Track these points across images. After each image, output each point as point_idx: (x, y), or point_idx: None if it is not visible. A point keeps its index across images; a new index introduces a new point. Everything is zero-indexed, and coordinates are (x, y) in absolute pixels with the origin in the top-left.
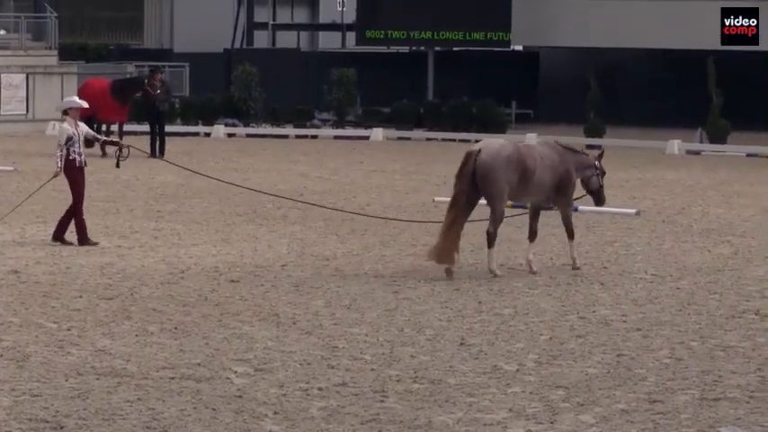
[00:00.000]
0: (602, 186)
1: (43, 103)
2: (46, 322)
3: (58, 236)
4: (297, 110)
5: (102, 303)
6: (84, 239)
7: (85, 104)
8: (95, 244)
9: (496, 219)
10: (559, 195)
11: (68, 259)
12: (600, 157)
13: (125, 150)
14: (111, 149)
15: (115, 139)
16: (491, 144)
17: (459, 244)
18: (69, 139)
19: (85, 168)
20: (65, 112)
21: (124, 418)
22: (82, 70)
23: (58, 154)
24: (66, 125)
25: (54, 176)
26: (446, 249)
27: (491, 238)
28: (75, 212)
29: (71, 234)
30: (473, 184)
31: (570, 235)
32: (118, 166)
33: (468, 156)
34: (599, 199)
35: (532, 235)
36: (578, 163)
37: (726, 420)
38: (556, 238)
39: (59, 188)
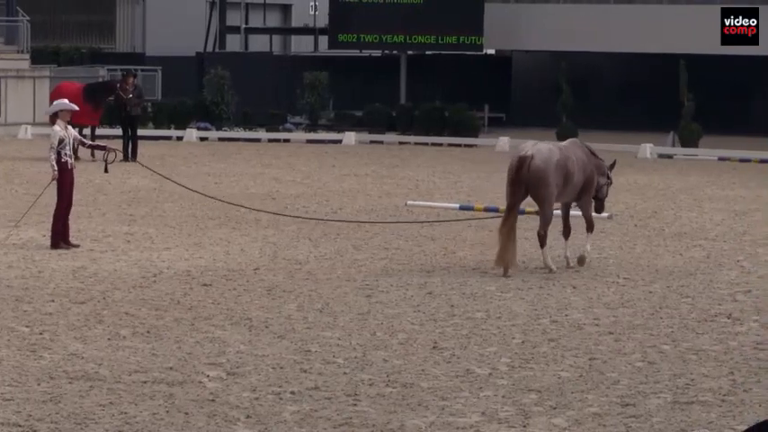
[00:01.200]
0: (606, 196)
1: (15, 107)
2: (18, 326)
3: (61, 241)
4: (269, 114)
5: (75, 307)
6: (57, 244)
7: (76, 107)
8: (68, 248)
9: (546, 221)
10: (582, 194)
11: (40, 263)
12: (612, 167)
13: (111, 155)
14: (83, 153)
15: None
16: (541, 149)
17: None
18: (61, 141)
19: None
20: (54, 115)
21: (96, 422)
22: (54, 74)
23: (52, 157)
24: (57, 128)
25: (53, 180)
26: (508, 254)
27: (542, 239)
28: (58, 214)
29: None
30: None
31: (590, 228)
32: (106, 170)
33: (522, 161)
34: (601, 206)
35: (567, 232)
36: (598, 167)
37: (698, 424)
38: (528, 242)
39: (32, 192)
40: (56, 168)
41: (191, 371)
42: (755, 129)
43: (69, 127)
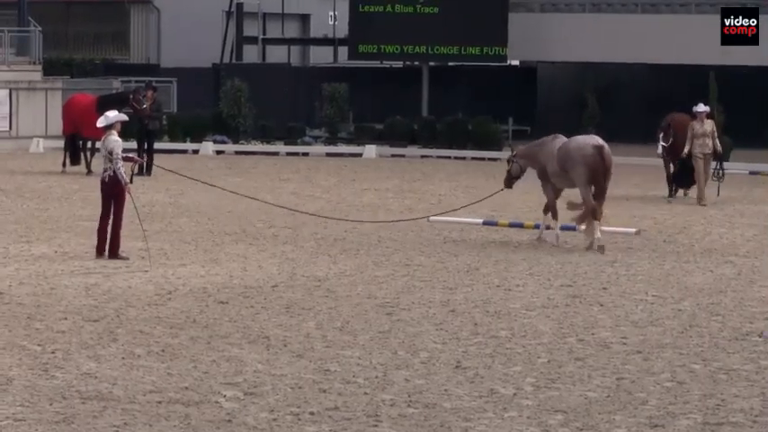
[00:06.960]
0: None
1: (27, 119)
2: (30, 345)
3: (115, 252)
4: (287, 126)
5: (88, 325)
6: (115, 253)
7: (127, 118)
8: (126, 258)
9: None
10: None
11: (53, 280)
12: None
13: (136, 167)
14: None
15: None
16: (600, 140)
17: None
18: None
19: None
20: (110, 127)
21: None
22: (67, 86)
23: (120, 165)
24: (116, 137)
25: (128, 191)
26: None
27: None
28: (114, 225)
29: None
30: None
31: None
32: (131, 181)
33: (601, 149)
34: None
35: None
36: None
37: None
38: (553, 257)
39: (43, 206)
40: (126, 181)
41: (207, 391)
42: None
43: None
